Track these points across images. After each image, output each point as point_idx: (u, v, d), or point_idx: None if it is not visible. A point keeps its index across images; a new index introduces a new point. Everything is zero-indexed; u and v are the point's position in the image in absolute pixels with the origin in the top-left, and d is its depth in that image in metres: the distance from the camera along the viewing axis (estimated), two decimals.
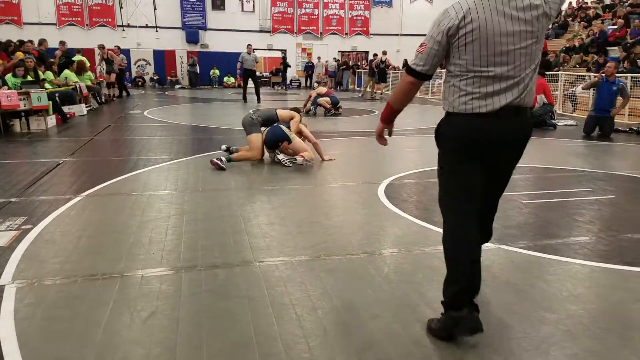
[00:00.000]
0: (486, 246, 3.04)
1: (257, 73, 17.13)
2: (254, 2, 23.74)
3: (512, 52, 1.87)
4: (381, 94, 18.33)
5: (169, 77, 22.88)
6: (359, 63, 24.82)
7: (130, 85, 20.69)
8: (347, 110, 12.61)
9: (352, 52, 25.39)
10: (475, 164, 1.99)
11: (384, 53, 17.73)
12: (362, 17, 24.97)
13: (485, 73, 1.88)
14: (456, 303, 1.95)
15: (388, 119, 2.18)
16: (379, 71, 17.63)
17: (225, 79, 23.55)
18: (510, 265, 2.80)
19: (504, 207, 3.94)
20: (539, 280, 2.59)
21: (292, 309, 2.23)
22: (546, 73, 10.95)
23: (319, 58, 24.08)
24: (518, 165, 2.12)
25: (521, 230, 3.40)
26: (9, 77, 8.71)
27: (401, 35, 24.93)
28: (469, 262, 1.97)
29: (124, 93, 15.71)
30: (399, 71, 20.08)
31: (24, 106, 8.02)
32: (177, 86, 22.49)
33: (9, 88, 8.27)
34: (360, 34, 25.12)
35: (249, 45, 14.66)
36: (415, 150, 6.74)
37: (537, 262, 2.85)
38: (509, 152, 2.03)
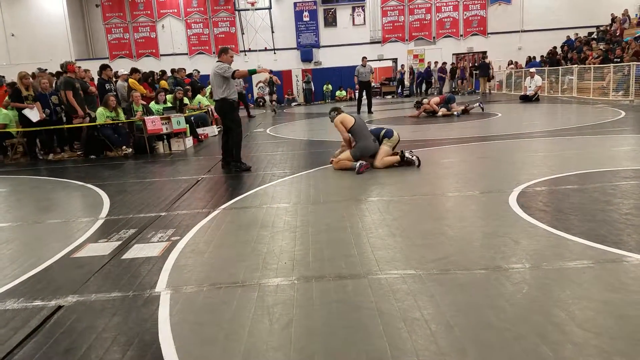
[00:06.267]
0: (631, 259, 2.67)
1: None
2: (364, 15, 24.07)
3: None
4: (490, 92, 18.44)
5: (286, 96, 24.16)
6: (476, 64, 23.72)
7: (252, 105, 22.26)
8: (466, 115, 12.08)
9: (468, 53, 24.32)
10: None
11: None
12: (479, 17, 23.82)
13: None
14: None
15: None
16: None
17: (337, 92, 24.17)
18: None
19: None
20: None
21: (425, 324, 2.16)
22: None
23: (429, 63, 23.52)
24: None
25: None
26: (152, 104, 9.91)
27: (523, 31, 23.31)
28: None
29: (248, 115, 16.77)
30: (523, 69, 18.89)
31: (166, 130, 9.05)
32: (293, 103, 23.65)
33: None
34: (476, 34, 23.98)
35: (364, 57, 14.80)
36: (547, 154, 6.17)
37: None
38: None
